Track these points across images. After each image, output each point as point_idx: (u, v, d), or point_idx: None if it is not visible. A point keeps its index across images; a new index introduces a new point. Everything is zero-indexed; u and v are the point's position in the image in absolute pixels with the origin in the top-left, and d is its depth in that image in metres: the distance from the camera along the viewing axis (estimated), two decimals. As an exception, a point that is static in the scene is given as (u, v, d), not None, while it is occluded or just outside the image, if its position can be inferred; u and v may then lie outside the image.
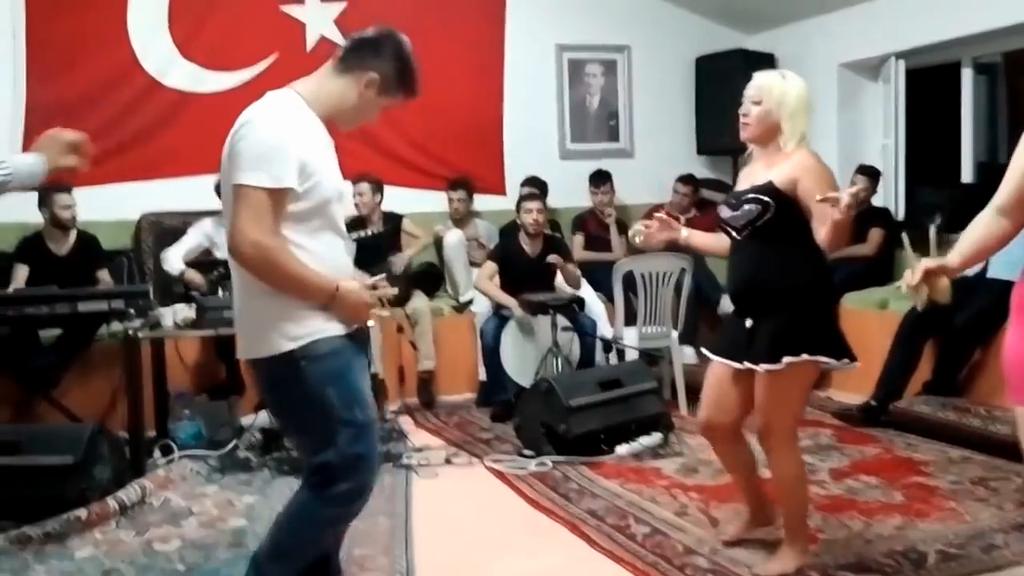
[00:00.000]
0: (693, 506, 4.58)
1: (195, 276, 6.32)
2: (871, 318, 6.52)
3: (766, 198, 3.57)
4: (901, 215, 7.80)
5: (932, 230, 3.06)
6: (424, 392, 7.05)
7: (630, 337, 6.56)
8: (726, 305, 7.48)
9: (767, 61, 8.56)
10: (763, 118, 3.65)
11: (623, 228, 8.18)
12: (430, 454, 5.68)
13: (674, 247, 4.39)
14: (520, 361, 6.59)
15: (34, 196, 6.47)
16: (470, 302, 7.39)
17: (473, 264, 7.62)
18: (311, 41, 7.79)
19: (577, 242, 8.09)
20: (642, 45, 8.95)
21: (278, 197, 2.70)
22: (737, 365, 3.72)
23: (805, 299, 3.61)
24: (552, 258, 6.68)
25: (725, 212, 3.77)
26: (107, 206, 7.07)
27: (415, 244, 7.47)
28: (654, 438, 5.62)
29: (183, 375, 6.35)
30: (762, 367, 3.57)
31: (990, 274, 5.93)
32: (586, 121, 8.92)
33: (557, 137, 8.79)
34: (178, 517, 4.62)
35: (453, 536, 4.38)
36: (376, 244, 7.08)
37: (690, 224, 8.11)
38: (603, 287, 7.15)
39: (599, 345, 6.72)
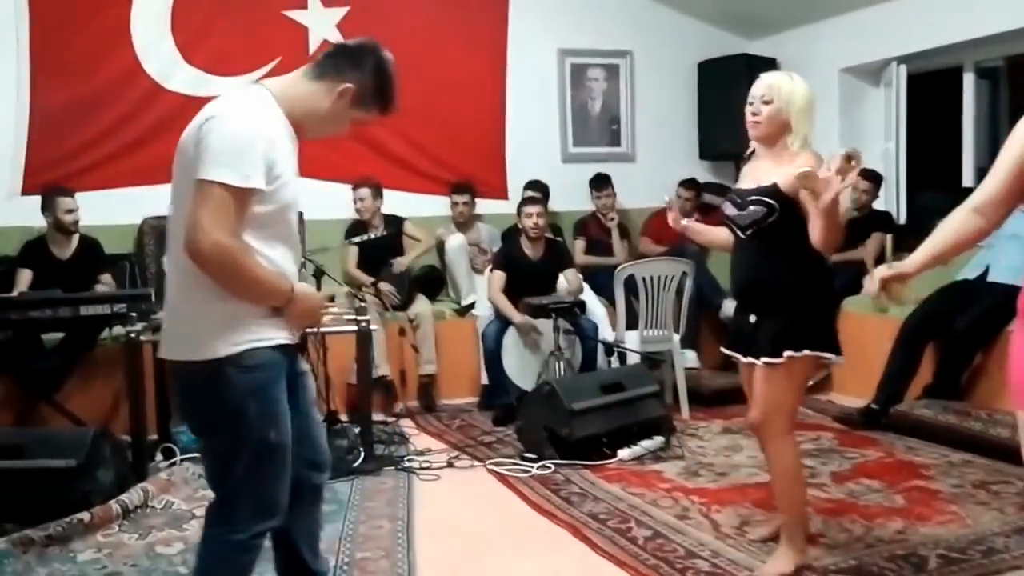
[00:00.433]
0: (695, 509, 4.58)
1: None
2: (872, 322, 6.52)
3: (771, 200, 3.61)
4: (902, 219, 7.81)
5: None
6: (425, 396, 7.06)
7: (632, 341, 6.57)
8: (728, 309, 7.50)
9: (769, 66, 8.56)
10: (774, 117, 3.67)
11: (624, 232, 8.22)
12: (432, 457, 5.69)
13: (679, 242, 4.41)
14: (522, 364, 6.60)
15: (37, 200, 6.49)
16: (472, 305, 7.39)
17: (475, 270, 7.63)
18: (314, 45, 7.79)
19: (579, 246, 8.11)
20: (644, 50, 8.96)
21: (244, 196, 2.55)
22: (744, 359, 3.80)
23: (807, 297, 3.67)
24: (564, 276, 6.71)
25: (730, 210, 3.81)
26: (110, 210, 7.09)
27: (417, 247, 7.49)
28: (656, 441, 5.63)
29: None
30: (762, 360, 3.65)
31: (991, 278, 5.95)
32: (588, 125, 8.93)
33: (559, 141, 8.80)
34: (180, 520, 4.62)
35: (455, 539, 4.37)
36: (378, 247, 7.11)
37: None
38: (605, 291, 7.16)
39: (601, 349, 6.73)
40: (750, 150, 3.87)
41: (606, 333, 6.91)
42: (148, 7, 7.35)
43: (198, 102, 8.07)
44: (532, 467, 5.34)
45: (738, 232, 3.80)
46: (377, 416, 6.56)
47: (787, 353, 3.59)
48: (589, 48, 8.83)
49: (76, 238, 6.52)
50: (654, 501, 4.73)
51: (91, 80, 7.17)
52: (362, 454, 5.49)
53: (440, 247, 7.76)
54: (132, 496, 4.69)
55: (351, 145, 7.90)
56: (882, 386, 6.03)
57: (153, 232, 7.12)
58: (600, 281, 7.35)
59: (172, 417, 5.80)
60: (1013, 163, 2.59)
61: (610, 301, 6.99)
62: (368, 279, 7.12)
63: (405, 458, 5.64)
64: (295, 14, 7.79)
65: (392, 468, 5.45)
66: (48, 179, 6.83)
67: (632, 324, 6.64)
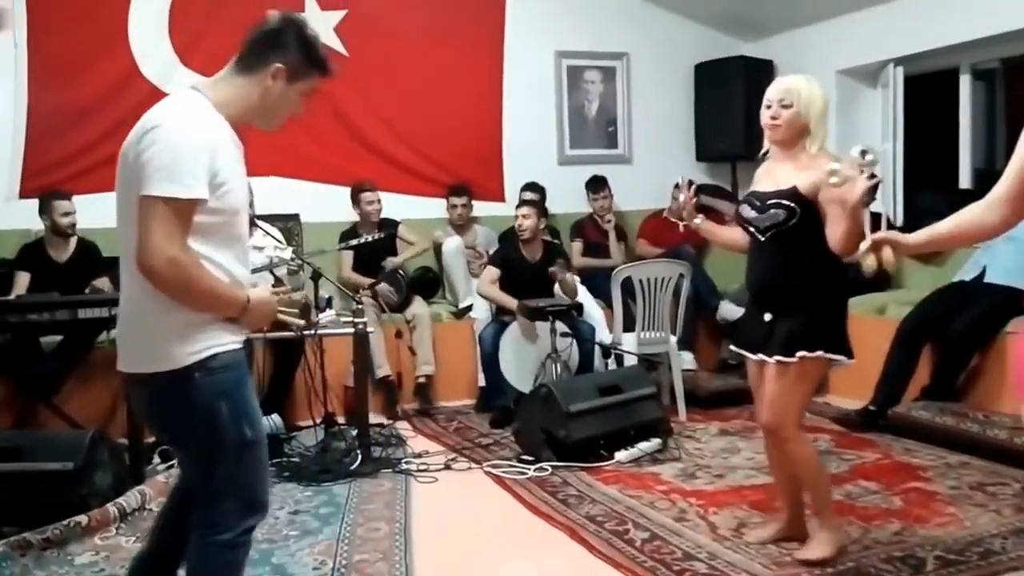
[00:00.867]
0: (692, 511, 4.58)
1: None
2: (869, 323, 6.51)
3: (791, 203, 3.64)
4: (900, 221, 7.81)
5: (865, 214, 3.09)
6: (422, 397, 7.05)
7: (629, 343, 6.57)
8: (724, 311, 7.54)
9: (766, 68, 8.59)
10: (793, 120, 3.69)
11: (621, 234, 8.22)
12: (429, 459, 5.69)
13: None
14: (519, 367, 6.60)
15: (35, 203, 6.50)
16: (469, 308, 7.39)
17: (472, 273, 7.63)
18: (311, 48, 7.79)
19: (576, 248, 8.11)
20: (641, 52, 8.97)
21: (189, 208, 2.53)
22: (754, 357, 3.83)
23: (824, 299, 3.72)
24: (554, 270, 6.69)
25: (748, 212, 3.83)
26: (107, 213, 6.97)
27: (409, 250, 7.50)
28: (653, 443, 5.63)
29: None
30: (775, 359, 3.68)
31: (988, 279, 5.95)
32: (585, 128, 8.94)
33: (556, 143, 8.80)
34: (178, 523, 4.62)
35: (452, 541, 4.38)
36: (373, 251, 7.11)
37: (689, 230, 8.22)
38: (602, 293, 7.17)
39: (598, 351, 6.73)
40: (764, 151, 3.88)
41: (603, 335, 6.92)
42: (145, 10, 7.35)
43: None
44: (529, 469, 5.35)
45: (756, 234, 3.82)
46: (379, 417, 6.59)
47: (800, 353, 3.62)
48: (586, 50, 8.84)
49: (74, 241, 6.52)
50: (651, 503, 4.74)
51: (89, 83, 7.17)
52: (359, 456, 5.49)
53: (437, 249, 7.76)
54: (130, 499, 4.68)
55: (348, 147, 7.91)
56: (879, 387, 6.03)
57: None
58: (597, 283, 7.36)
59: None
60: (1021, 164, 2.60)
61: (607, 303, 6.99)
62: (366, 281, 7.12)
63: (402, 460, 5.64)
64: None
65: (389, 470, 5.45)
66: (45, 182, 6.84)
67: (629, 326, 6.64)
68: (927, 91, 7.97)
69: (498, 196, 8.45)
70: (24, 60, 7.07)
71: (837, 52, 8.05)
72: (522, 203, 7.13)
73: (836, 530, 3.88)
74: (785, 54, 8.57)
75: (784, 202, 3.66)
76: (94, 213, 6.75)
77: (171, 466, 5.38)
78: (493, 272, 6.86)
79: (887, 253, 2.91)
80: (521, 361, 6.62)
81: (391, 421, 6.64)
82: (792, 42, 8.56)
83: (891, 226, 7.52)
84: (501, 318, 6.80)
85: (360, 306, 5.79)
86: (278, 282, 6.04)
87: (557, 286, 6.76)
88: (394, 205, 7.64)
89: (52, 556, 4.14)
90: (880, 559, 3.84)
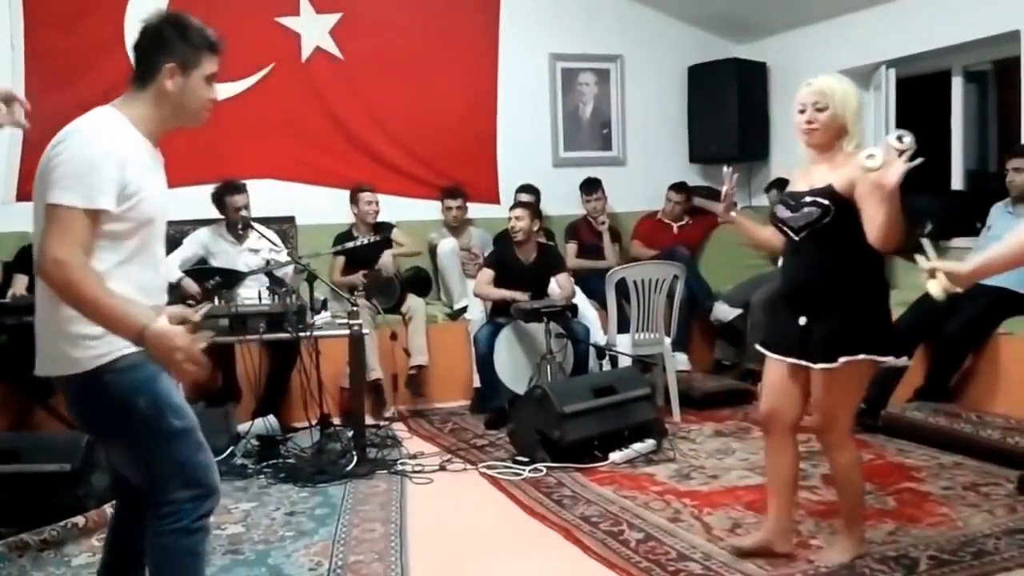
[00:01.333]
0: (686, 512, 4.60)
1: (190, 284, 6.32)
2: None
3: (826, 201, 3.61)
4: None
5: (926, 242, 3.09)
6: (413, 389, 7.06)
7: (623, 344, 6.59)
8: (718, 312, 7.56)
9: (759, 70, 8.62)
10: (830, 123, 3.65)
11: (615, 236, 8.24)
12: (424, 461, 5.70)
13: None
14: (514, 368, 6.62)
15: (31, 207, 6.48)
16: (464, 309, 7.41)
17: (466, 275, 7.64)
18: (306, 52, 7.82)
19: (570, 250, 8.13)
20: (635, 54, 8.98)
21: (89, 217, 2.56)
22: (792, 361, 3.78)
23: (862, 299, 3.68)
24: (555, 281, 6.75)
25: (783, 212, 3.80)
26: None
27: (402, 249, 7.48)
28: (648, 444, 5.64)
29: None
30: (820, 366, 3.64)
31: (981, 280, 5.96)
32: (579, 129, 8.95)
33: (550, 146, 8.81)
34: (175, 524, 4.63)
35: (447, 542, 4.39)
36: (368, 253, 7.11)
37: (683, 231, 8.28)
38: (596, 294, 7.19)
39: (592, 352, 6.75)
40: (798, 155, 3.86)
41: (598, 336, 6.94)
42: (142, 13, 7.33)
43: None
44: (524, 470, 5.36)
45: (791, 234, 3.78)
46: (369, 419, 6.59)
47: (843, 359, 3.58)
48: (580, 53, 8.85)
49: (69, 243, 6.50)
50: (646, 504, 4.75)
51: (86, 86, 7.11)
52: (355, 458, 5.51)
53: (432, 251, 7.77)
54: (126, 500, 4.69)
55: (343, 150, 7.92)
56: (872, 388, 6.04)
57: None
58: (592, 285, 7.38)
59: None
60: None
61: (601, 304, 7.01)
62: (360, 280, 7.12)
63: (398, 461, 5.65)
64: (287, 21, 7.79)
65: (385, 472, 5.46)
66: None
67: (623, 327, 6.66)
68: (919, 93, 7.99)
69: (493, 198, 8.45)
70: (21, 62, 7.06)
71: (830, 54, 8.05)
72: (516, 205, 7.15)
73: (859, 541, 3.89)
74: (778, 56, 8.60)
75: (819, 200, 3.62)
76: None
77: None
78: (488, 274, 6.87)
79: (943, 279, 2.91)
80: (516, 362, 6.63)
81: (387, 422, 6.65)
82: (785, 44, 8.57)
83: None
84: (496, 319, 6.81)
85: (355, 308, 5.80)
86: (275, 284, 6.06)
87: (552, 286, 6.77)
88: (389, 207, 7.64)
89: (49, 557, 4.16)
90: (874, 559, 3.85)
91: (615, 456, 5.50)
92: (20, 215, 6.72)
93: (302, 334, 5.58)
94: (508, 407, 6.24)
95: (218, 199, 6.64)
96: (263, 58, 7.61)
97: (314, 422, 5.91)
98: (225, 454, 5.63)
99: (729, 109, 8.37)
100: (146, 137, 2.80)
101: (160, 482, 2.76)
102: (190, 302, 5.96)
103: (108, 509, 4.53)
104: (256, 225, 6.53)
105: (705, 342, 7.97)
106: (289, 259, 6.31)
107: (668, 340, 6.74)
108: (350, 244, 6.79)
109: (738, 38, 9.04)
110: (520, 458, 5.55)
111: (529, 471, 5.35)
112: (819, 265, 3.70)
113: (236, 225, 6.62)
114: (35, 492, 4.47)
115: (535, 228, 6.95)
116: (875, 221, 3.44)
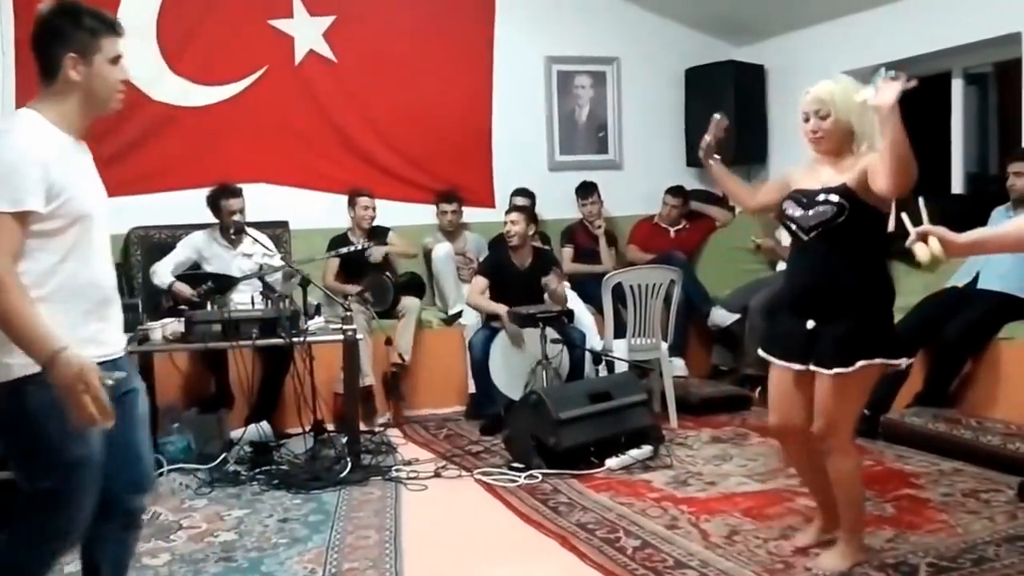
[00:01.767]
0: (683, 519, 4.57)
1: (184, 289, 6.27)
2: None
3: (841, 199, 3.58)
4: (891, 226, 7.77)
5: (921, 202, 3.03)
6: (394, 389, 7.01)
7: (620, 349, 6.55)
8: (716, 317, 7.53)
9: (757, 73, 8.59)
10: (834, 129, 3.64)
11: (612, 240, 8.21)
12: (419, 467, 5.67)
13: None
14: (509, 373, 6.58)
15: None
16: (459, 314, 7.37)
17: (461, 279, 7.60)
18: (300, 54, 7.77)
19: (566, 254, 8.09)
20: (631, 57, 8.95)
21: (18, 221, 2.54)
22: (799, 367, 3.74)
23: (873, 303, 3.65)
24: (547, 280, 6.68)
25: (794, 210, 3.75)
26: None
27: (395, 249, 7.43)
28: (644, 450, 5.61)
29: (172, 389, 6.31)
30: (834, 371, 3.60)
31: (981, 285, 5.93)
32: (575, 133, 8.91)
33: (546, 149, 8.76)
34: (167, 531, 4.61)
35: (442, 549, 4.36)
36: (362, 258, 7.07)
37: (680, 236, 8.25)
38: (592, 299, 7.15)
39: (588, 357, 6.71)
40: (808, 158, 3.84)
41: (594, 342, 6.90)
42: (133, 15, 7.27)
43: (184, 111, 8.04)
44: (520, 477, 5.33)
45: (800, 234, 3.73)
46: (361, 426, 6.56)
47: (860, 363, 3.55)
48: (576, 55, 8.81)
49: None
50: (643, 510, 4.72)
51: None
52: (349, 464, 5.48)
53: (427, 256, 7.73)
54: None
55: (337, 154, 7.89)
56: (874, 393, 6.00)
57: (140, 242, 7.08)
58: (588, 289, 7.34)
59: (159, 428, 5.76)
60: None
61: (598, 309, 6.98)
62: (352, 288, 7.06)
63: (392, 468, 5.62)
64: (281, 23, 7.74)
65: (379, 478, 5.43)
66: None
67: (620, 332, 6.63)
68: (919, 95, 7.93)
69: (488, 202, 8.42)
70: (12, 66, 7.01)
71: (828, 56, 8.02)
72: (511, 209, 7.12)
73: (859, 548, 3.86)
74: (776, 59, 8.57)
75: (833, 198, 3.59)
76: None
77: (160, 474, 5.36)
78: (481, 283, 6.83)
79: (935, 244, 2.83)
80: (511, 368, 6.59)
81: (381, 428, 6.61)
82: (783, 47, 8.54)
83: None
84: (491, 325, 6.76)
85: (349, 313, 5.76)
86: (268, 289, 6.01)
87: (544, 280, 6.74)
88: (383, 211, 7.59)
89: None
90: (872, 566, 3.82)
91: (611, 462, 5.46)
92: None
93: (295, 339, 5.54)
94: (503, 413, 6.22)
95: (213, 202, 6.58)
96: (256, 61, 7.57)
97: (308, 428, 5.89)
98: (218, 460, 5.60)
99: (726, 112, 8.23)
100: (67, 132, 2.76)
101: (32, 507, 2.73)
102: (182, 307, 5.93)
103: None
104: (250, 230, 6.48)
105: (702, 347, 7.93)
106: (283, 264, 6.27)
107: (665, 345, 6.72)
108: (344, 249, 6.74)
109: (736, 40, 9.01)
110: (516, 464, 5.51)
111: (525, 478, 5.31)
112: (829, 266, 3.66)
113: (230, 229, 6.57)
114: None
115: (531, 232, 6.92)
116: (884, 167, 3.39)
